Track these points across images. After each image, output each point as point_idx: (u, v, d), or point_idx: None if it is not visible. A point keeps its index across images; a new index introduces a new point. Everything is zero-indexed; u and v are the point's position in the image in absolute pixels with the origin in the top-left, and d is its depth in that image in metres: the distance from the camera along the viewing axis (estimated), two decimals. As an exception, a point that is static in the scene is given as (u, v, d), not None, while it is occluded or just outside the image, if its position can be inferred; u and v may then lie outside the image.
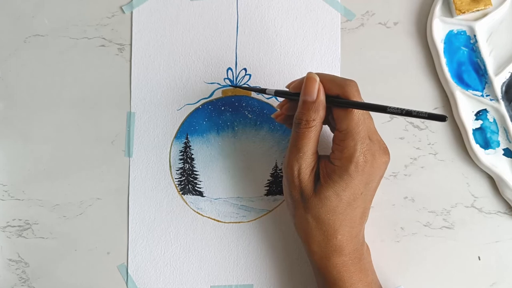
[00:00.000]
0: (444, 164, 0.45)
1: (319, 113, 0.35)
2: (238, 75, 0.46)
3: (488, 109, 0.44)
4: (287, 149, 0.38)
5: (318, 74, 0.36)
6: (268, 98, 0.46)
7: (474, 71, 0.45)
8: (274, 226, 0.45)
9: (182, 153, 0.46)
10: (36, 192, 0.46)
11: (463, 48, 0.45)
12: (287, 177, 0.37)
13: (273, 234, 0.45)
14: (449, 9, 0.45)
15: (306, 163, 0.36)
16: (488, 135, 0.44)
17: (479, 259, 0.44)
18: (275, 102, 0.46)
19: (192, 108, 0.46)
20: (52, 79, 0.47)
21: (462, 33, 0.45)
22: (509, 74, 0.44)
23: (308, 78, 0.36)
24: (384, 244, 0.45)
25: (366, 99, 0.46)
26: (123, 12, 0.47)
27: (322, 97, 0.35)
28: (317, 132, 0.36)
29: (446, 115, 0.33)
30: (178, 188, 0.45)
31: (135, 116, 0.46)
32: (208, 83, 0.46)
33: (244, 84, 0.46)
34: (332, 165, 0.36)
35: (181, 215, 0.45)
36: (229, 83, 0.46)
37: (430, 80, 0.46)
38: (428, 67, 0.46)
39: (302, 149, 0.36)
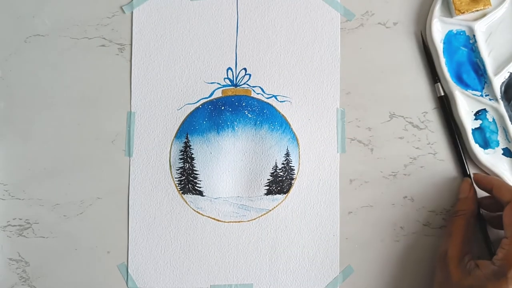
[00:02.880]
0: (444, 164, 0.45)
1: (468, 206, 0.42)
2: (238, 75, 0.46)
3: (487, 109, 0.45)
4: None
5: (493, 179, 0.42)
6: (268, 98, 0.46)
7: (473, 71, 0.45)
8: (274, 226, 0.45)
9: (182, 152, 0.46)
10: (36, 192, 0.46)
11: (463, 48, 0.45)
12: (437, 253, 0.42)
13: (273, 234, 0.45)
14: (449, 9, 0.45)
15: (453, 247, 0.40)
16: (488, 134, 0.44)
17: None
18: (275, 101, 0.46)
19: (192, 107, 0.46)
20: (53, 79, 0.47)
21: (461, 33, 0.45)
22: (508, 74, 0.45)
23: (464, 181, 0.44)
24: (384, 243, 0.45)
25: (366, 99, 0.46)
26: (124, 12, 0.47)
27: (472, 195, 0.43)
28: (465, 222, 0.41)
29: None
30: (178, 187, 0.46)
31: (135, 115, 0.46)
32: (208, 83, 0.46)
33: (244, 83, 0.46)
34: (492, 265, 0.38)
35: (181, 214, 0.45)
36: (229, 83, 0.46)
37: (430, 80, 0.46)
38: (427, 67, 0.46)
39: (451, 234, 0.41)
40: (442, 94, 0.45)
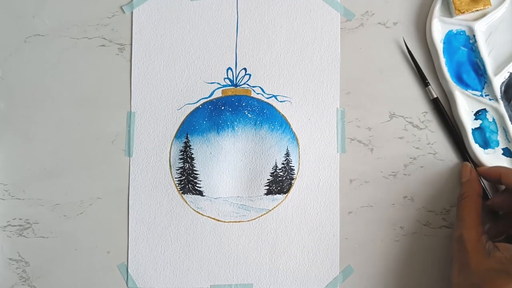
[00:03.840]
0: (444, 164, 0.45)
1: (472, 187, 0.42)
2: (238, 75, 0.46)
3: (487, 108, 0.45)
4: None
5: (499, 168, 0.42)
6: (268, 98, 0.46)
7: (473, 71, 0.45)
8: (274, 226, 0.45)
9: (182, 152, 0.46)
10: (36, 192, 0.46)
11: (463, 48, 0.45)
12: (453, 239, 0.42)
13: (273, 234, 0.45)
14: (449, 9, 0.45)
15: (468, 229, 0.40)
16: (488, 134, 0.44)
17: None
18: (275, 101, 0.46)
19: (192, 107, 0.46)
20: (52, 79, 0.47)
21: (461, 33, 0.45)
22: (508, 74, 0.45)
23: (464, 165, 0.44)
24: (383, 243, 0.45)
25: (366, 99, 0.46)
26: (123, 12, 0.47)
27: (474, 176, 0.43)
28: (472, 203, 0.41)
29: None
30: (178, 187, 0.46)
31: (135, 115, 0.46)
32: (208, 83, 0.46)
33: (244, 83, 0.46)
34: None
35: (181, 214, 0.45)
36: (229, 83, 0.46)
37: (430, 80, 0.46)
38: (427, 67, 0.46)
39: (463, 217, 0.41)
40: (435, 96, 0.45)
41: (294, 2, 0.47)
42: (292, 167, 0.45)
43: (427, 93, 0.46)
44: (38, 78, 0.47)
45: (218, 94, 0.46)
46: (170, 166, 0.46)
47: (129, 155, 0.46)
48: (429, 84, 0.45)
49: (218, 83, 0.46)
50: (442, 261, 0.45)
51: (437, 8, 0.45)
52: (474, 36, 0.45)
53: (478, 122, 0.45)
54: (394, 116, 0.46)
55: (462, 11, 0.44)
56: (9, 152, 0.46)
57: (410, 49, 0.46)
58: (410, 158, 0.45)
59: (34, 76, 0.47)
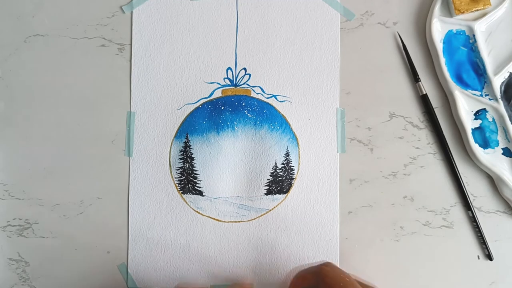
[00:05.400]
0: (443, 164, 0.45)
1: None
2: (237, 75, 0.46)
3: (487, 108, 0.45)
4: None
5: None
6: (268, 98, 0.46)
7: (473, 71, 0.45)
8: (274, 226, 0.45)
9: (182, 152, 0.46)
10: (36, 192, 0.46)
11: (462, 48, 0.45)
12: None
13: (273, 234, 0.45)
14: (448, 9, 0.45)
15: None
16: (487, 134, 0.44)
17: (478, 258, 0.45)
18: (275, 101, 0.46)
19: (192, 107, 0.46)
20: (52, 79, 0.47)
21: (461, 33, 0.45)
22: (508, 74, 0.45)
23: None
24: (383, 243, 0.45)
25: (365, 99, 0.46)
26: (123, 12, 0.47)
27: None
28: None
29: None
30: (178, 187, 0.46)
31: (135, 115, 0.46)
32: (208, 83, 0.46)
33: (244, 83, 0.46)
34: None
35: (181, 214, 0.45)
36: (229, 83, 0.46)
37: (430, 79, 0.46)
38: (427, 67, 0.46)
39: None
40: (424, 92, 0.45)
41: (294, 2, 0.47)
42: (292, 167, 0.45)
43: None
44: (38, 78, 0.47)
45: (218, 94, 0.46)
46: (170, 166, 0.46)
47: (129, 155, 0.46)
48: (420, 80, 0.45)
49: (218, 83, 0.46)
50: (441, 261, 0.45)
51: (437, 8, 0.45)
52: (474, 36, 0.45)
53: (478, 122, 0.45)
54: (394, 116, 0.46)
55: (462, 11, 0.44)
56: (9, 151, 0.46)
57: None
58: (410, 158, 0.46)
59: (34, 76, 0.47)
